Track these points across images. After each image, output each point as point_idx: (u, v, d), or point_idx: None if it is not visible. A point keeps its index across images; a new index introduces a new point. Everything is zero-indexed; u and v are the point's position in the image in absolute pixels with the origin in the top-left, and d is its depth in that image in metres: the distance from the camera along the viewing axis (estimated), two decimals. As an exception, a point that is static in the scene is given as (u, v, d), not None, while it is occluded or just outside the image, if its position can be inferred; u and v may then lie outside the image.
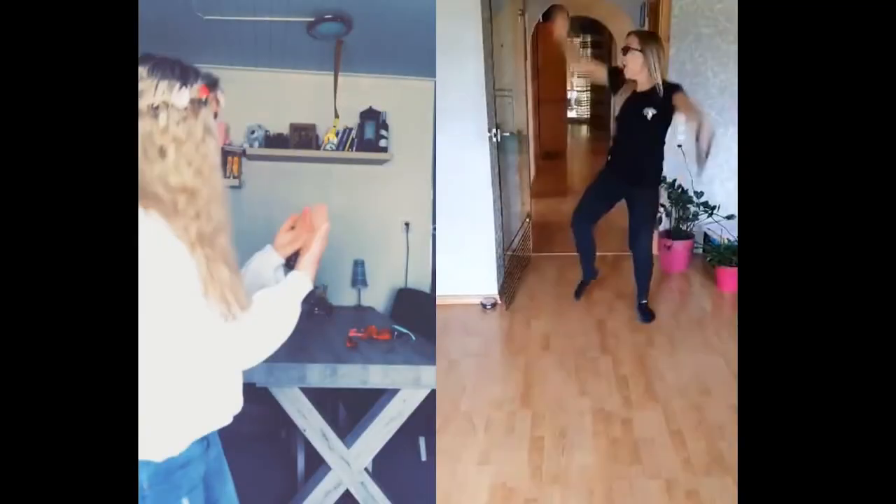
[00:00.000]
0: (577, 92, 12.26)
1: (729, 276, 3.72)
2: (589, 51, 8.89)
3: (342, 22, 3.08)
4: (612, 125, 3.34)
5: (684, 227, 4.18)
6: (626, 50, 3.02)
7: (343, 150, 3.89)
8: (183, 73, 1.28)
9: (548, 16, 3.20)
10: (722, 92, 4.32)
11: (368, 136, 3.92)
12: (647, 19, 4.90)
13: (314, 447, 2.36)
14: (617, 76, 3.17)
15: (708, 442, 2.31)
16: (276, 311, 1.37)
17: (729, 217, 4.01)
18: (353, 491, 2.38)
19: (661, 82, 2.97)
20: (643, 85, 3.03)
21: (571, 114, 11.26)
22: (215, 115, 1.36)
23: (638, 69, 2.99)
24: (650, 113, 2.98)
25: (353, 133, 3.91)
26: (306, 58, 3.68)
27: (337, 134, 3.86)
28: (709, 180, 4.31)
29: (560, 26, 3.14)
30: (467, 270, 3.56)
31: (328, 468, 2.35)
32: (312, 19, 3.07)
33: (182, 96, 1.26)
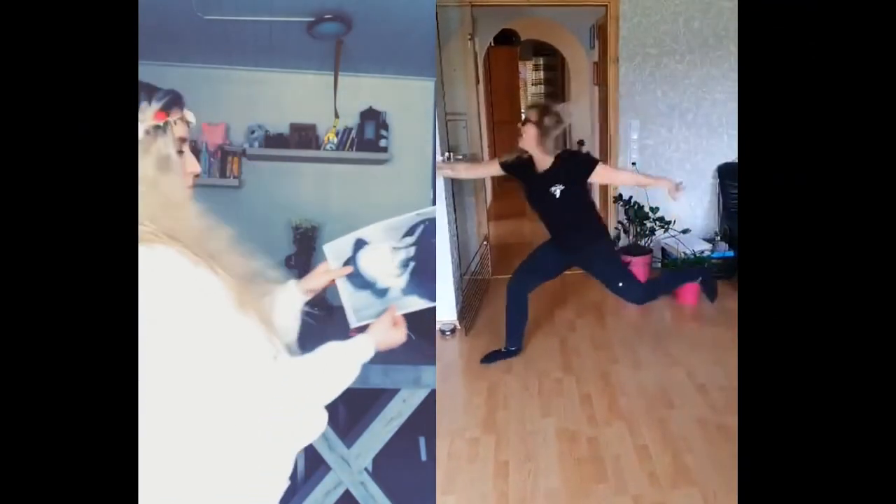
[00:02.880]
0: (533, 114, 12.42)
1: (687, 290, 3.75)
2: (542, 73, 9.00)
3: (342, 22, 3.07)
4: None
5: (642, 243, 4.23)
6: (524, 122, 2.92)
7: (343, 150, 3.90)
8: None
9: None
10: (671, 109, 4.42)
11: (368, 136, 3.93)
12: (596, 41, 5.00)
13: (314, 447, 2.31)
14: (513, 166, 3.06)
15: (673, 455, 2.30)
16: (339, 366, 1.27)
17: (684, 231, 4.07)
18: (353, 491, 2.34)
19: (550, 157, 2.89)
20: (541, 161, 2.93)
21: (528, 136, 11.40)
22: (183, 140, 1.14)
23: (531, 143, 2.89)
24: (558, 191, 2.88)
25: (353, 133, 3.92)
26: (306, 58, 3.67)
27: (337, 134, 3.87)
28: (664, 196, 4.38)
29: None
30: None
31: (328, 468, 2.32)
32: (312, 19, 3.06)
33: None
